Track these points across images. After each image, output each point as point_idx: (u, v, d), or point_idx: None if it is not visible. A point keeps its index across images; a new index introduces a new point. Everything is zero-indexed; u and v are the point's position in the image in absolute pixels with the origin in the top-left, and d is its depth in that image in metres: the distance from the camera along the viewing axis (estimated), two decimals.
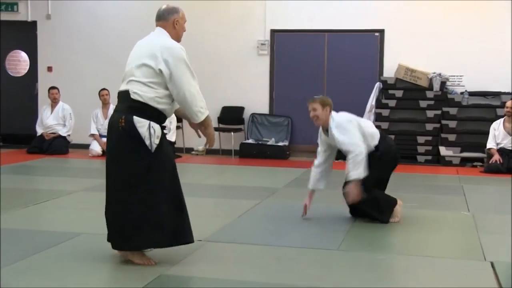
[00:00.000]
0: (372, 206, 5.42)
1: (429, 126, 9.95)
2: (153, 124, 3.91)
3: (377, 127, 9.97)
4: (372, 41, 10.47)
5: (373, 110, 10.06)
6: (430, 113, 9.95)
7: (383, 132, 5.53)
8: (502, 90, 9.85)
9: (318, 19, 10.54)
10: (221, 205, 6.34)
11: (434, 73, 9.88)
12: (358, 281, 3.90)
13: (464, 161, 9.69)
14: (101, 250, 4.28)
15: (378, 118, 10.07)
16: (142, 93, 3.90)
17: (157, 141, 3.92)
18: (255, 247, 4.67)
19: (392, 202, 5.52)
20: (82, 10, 11.43)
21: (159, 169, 3.94)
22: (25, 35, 11.80)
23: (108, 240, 4.09)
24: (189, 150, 10.89)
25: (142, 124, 3.88)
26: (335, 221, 5.46)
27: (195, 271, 4.01)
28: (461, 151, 9.79)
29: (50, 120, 10.70)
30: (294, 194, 6.97)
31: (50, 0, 11.49)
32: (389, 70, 10.24)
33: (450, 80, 9.99)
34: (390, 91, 10.08)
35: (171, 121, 9.59)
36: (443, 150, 9.82)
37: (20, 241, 4.67)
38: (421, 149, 9.98)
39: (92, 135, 10.47)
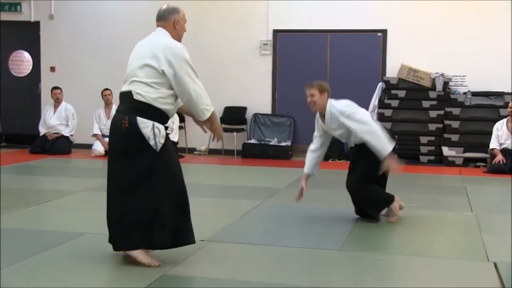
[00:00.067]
0: (363, 200, 5.43)
1: (432, 126, 9.94)
2: (157, 124, 3.91)
3: None
4: (374, 41, 10.46)
5: (376, 110, 10.05)
6: (433, 113, 9.94)
7: (380, 125, 5.50)
8: (505, 90, 9.83)
9: (321, 19, 10.53)
10: (223, 205, 6.34)
11: (437, 73, 9.87)
12: (360, 281, 3.89)
13: (467, 162, 9.67)
14: (103, 250, 4.28)
15: (380, 118, 10.05)
16: (145, 93, 3.89)
17: (162, 140, 3.92)
18: (258, 247, 4.67)
19: (385, 199, 5.47)
20: (85, 10, 11.44)
21: (163, 170, 3.94)
22: (28, 35, 11.81)
23: (110, 241, 4.09)
24: (191, 150, 10.89)
25: (146, 125, 3.87)
26: (337, 221, 5.46)
27: (198, 271, 4.00)
28: (464, 151, 9.77)
29: (53, 120, 10.71)
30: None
31: (53, 0, 11.50)
32: (392, 70, 10.23)
33: (453, 80, 9.98)
34: (393, 91, 10.07)
35: (174, 121, 9.59)
36: (446, 151, 9.81)
37: (23, 241, 4.67)
38: (424, 149, 9.96)
39: (95, 135, 10.48)
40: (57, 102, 10.77)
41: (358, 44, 10.54)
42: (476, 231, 5.23)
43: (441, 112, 9.91)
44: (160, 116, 3.97)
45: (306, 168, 5.58)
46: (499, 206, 6.48)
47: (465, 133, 9.80)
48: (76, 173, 8.68)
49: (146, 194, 3.90)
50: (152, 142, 3.88)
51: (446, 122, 9.89)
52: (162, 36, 4.04)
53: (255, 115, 10.83)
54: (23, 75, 11.97)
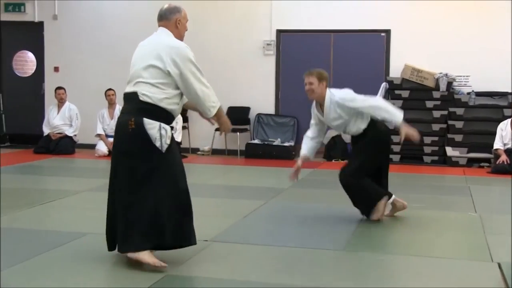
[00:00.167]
0: (356, 194, 5.40)
1: (436, 127, 9.92)
2: (163, 125, 3.90)
3: None
4: (378, 41, 10.45)
5: None
6: (437, 114, 9.92)
7: (374, 119, 5.46)
8: (509, 91, 9.81)
9: (324, 19, 10.53)
10: (226, 205, 6.34)
11: (441, 73, 9.85)
12: (363, 281, 3.89)
13: (471, 162, 9.66)
14: (106, 250, 4.28)
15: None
16: (151, 94, 3.89)
17: (168, 141, 3.92)
18: (261, 248, 4.67)
19: (375, 196, 5.41)
20: (88, 11, 11.45)
21: (165, 170, 3.93)
22: (32, 36, 11.83)
23: (110, 242, 4.09)
24: (195, 150, 10.90)
25: (152, 126, 3.87)
26: (339, 222, 5.45)
27: (201, 271, 4.00)
28: (468, 152, 9.76)
29: (57, 120, 10.73)
30: (300, 194, 6.96)
31: (57, 1, 11.52)
32: (395, 70, 10.22)
33: (456, 80, 9.96)
34: (397, 92, 10.06)
35: (177, 121, 9.60)
36: (449, 151, 9.79)
37: (26, 241, 4.68)
38: (427, 149, 9.95)
39: (98, 135, 10.49)
40: (60, 102, 10.78)
41: (362, 44, 10.53)
42: (480, 232, 5.22)
43: (445, 112, 9.90)
44: (166, 117, 3.96)
45: (305, 151, 5.56)
46: (503, 206, 6.46)
47: (469, 133, 9.79)
48: (79, 173, 8.69)
49: (147, 194, 3.89)
50: (158, 143, 3.88)
51: (450, 122, 9.87)
52: (164, 36, 4.04)
53: (259, 115, 10.83)
54: (27, 75, 12.00)
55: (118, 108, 10.48)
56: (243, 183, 7.86)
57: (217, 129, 5.03)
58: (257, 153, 10.40)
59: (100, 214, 5.16)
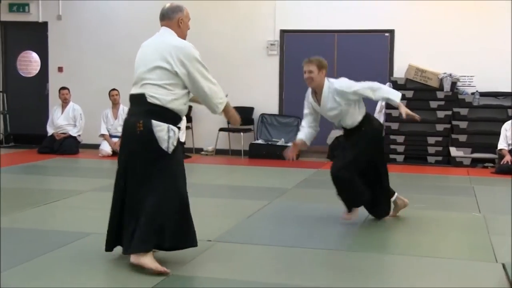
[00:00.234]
0: (346, 188, 5.30)
1: (440, 127, 9.91)
2: (172, 127, 3.90)
3: (387, 127, 10.07)
4: (382, 41, 10.44)
5: (383, 111, 10.03)
6: (441, 114, 9.91)
7: (370, 114, 5.46)
8: None
9: (328, 19, 10.52)
10: (230, 206, 6.34)
11: (445, 73, 9.83)
12: (366, 281, 3.89)
13: (475, 162, 9.64)
14: None
15: (388, 119, 10.04)
16: (160, 96, 3.88)
17: (175, 143, 3.92)
18: (265, 248, 4.67)
19: (356, 199, 5.36)
20: (92, 11, 11.47)
21: (169, 172, 3.92)
22: (36, 36, 11.86)
23: (109, 242, 4.10)
24: (198, 150, 10.90)
25: (161, 128, 3.86)
26: (343, 222, 5.43)
27: (205, 272, 4.01)
28: (472, 152, 9.74)
29: (61, 120, 10.75)
30: (304, 194, 6.96)
31: (61, 1, 11.54)
32: (399, 71, 10.21)
33: (461, 80, 9.94)
34: (401, 92, 10.00)
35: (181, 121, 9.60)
36: (453, 151, 9.78)
37: (30, 241, 4.69)
38: (431, 149, 9.94)
39: (102, 135, 10.51)
40: (64, 103, 10.80)
41: (365, 44, 10.53)
42: (484, 232, 5.21)
43: (449, 112, 9.88)
44: (174, 118, 3.96)
45: (300, 135, 5.48)
46: (508, 207, 6.44)
47: (473, 134, 9.77)
48: (83, 173, 8.71)
49: (149, 195, 3.89)
50: (165, 145, 3.87)
51: (454, 122, 9.85)
52: (168, 36, 4.03)
53: (262, 116, 10.83)
54: (31, 75, 12.02)
55: (122, 108, 10.49)
56: (246, 183, 7.85)
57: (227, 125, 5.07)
58: (260, 153, 10.40)
59: (104, 214, 5.15)
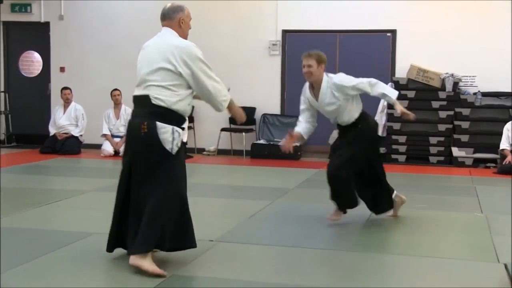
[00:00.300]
0: (341, 187, 5.26)
1: (442, 127, 9.90)
2: (176, 128, 3.90)
3: (389, 127, 10.06)
4: (384, 41, 10.43)
5: (385, 111, 10.03)
6: (443, 114, 9.90)
7: (366, 111, 5.42)
8: None
9: (330, 19, 10.52)
10: (232, 206, 6.34)
11: (447, 73, 9.83)
12: (368, 282, 3.89)
13: (477, 162, 9.64)
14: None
15: (390, 119, 10.04)
16: (164, 97, 3.87)
17: (179, 144, 3.92)
18: (266, 248, 4.67)
19: (349, 201, 5.33)
20: (94, 11, 11.47)
21: (172, 174, 3.92)
22: (38, 36, 11.87)
23: (111, 243, 4.10)
24: (200, 151, 10.90)
25: (166, 130, 3.85)
26: (345, 222, 5.43)
27: (207, 271, 4.01)
28: (474, 152, 9.73)
29: (63, 120, 10.75)
30: (305, 194, 6.96)
31: (63, 1, 11.55)
32: (401, 71, 10.20)
33: (463, 80, 9.93)
34: (402, 92, 10.01)
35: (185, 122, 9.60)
36: (455, 151, 9.77)
37: (32, 241, 4.69)
38: (433, 149, 9.93)
39: (104, 135, 10.52)
40: (66, 103, 10.81)
41: (368, 44, 10.52)
42: (486, 232, 5.20)
43: (451, 112, 9.87)
44: (179, 119, 3.97)
45: (298, 128, 5.41)
46: (509, 207, 6.43)
47: (475, 134, 9.76)
48: (85, 173, 8.71)
49: (150, 195, 3.88)
50: (169, 146, 3.86)
51: (456, 122, 9.85)
52: (170, 36, 4.02)
53: (264, 116, 10.82)
54: (33, 75, 12.02)
55: (124, 108, 10.50)
56: (248, 183, 7.86)
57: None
58: (262, 153, 10.40)
59: (106, 214, 5.15)
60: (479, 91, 9.86)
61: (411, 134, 9.96)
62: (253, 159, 10.29)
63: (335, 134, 9.95)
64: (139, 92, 3.98)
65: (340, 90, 5.18)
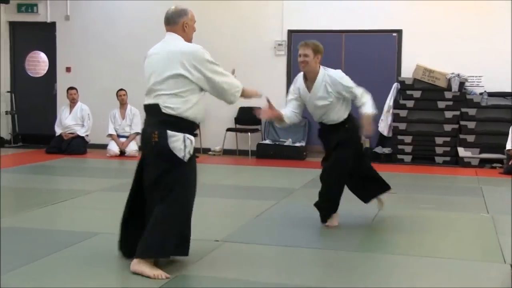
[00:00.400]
0: (331, 192, 5.27)
1: (448, 127, 9.88)
2: (188, 135, 3.88)
3: (395, 127, 10.04)
4: (389, 41, 10.41)
5: (391, 111, 10.02)
6: (449, 114, 9.88)
7: (352, 114, 5.32)
8: None
9: (336, 19, 10.50)
10: (237, 206, 6.34)
11: (453, 73, 9.80)
12: (373, 282, 3.88)
13: (483, 162, 9.61)
14: (117, 250, 4.30)
15: (396, 119, 10.02)
16: (174, 105, 3.84)
17: (191, 151, 3.90)
18: (272, 248, 4.66)
19: (334, 205, 5.32)
20: (100, 11, 11.49)
21: (183, 182, 3.91)
22: (44, 36, 11.90)
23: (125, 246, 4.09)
24: (206, 151, 10.91)
25: (176, 138, 3.83)
26: (350, 222, 5.43)
27: (212, 271, 4.00)
28: (480, 152, 9.70)
29: (69, 120, 10.78)
30: (311, 194, 6.92)
31: (69, 1, 11.57)
32: (407, 71, 10.18)
33: (469, 80, 9.91)
34: (408, 92, 10.02)
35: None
36: (461, 151, 9.75)
37: (38, 241, 4.70)
38: (439, 150, 9.90)
39: (110, 135, 10.53)
40: (72, 103, 10.83)
41: (373, 44, 10.50)
42: (492, 233, 5.19)
43: (457, 112, 9.85)
44: (190, 126, 3.95)
45: (283, 110, 5.23)
46: None
47: (481, 134, 9.73)
48: (91, 173, 8.73)
49: (157, 203, 3.87)
50: (181, 154, 3.84)
51: (462, 122, 9.82)
52: (175, 42, 3.96)
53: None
54: (39, 75, 12.06)
55: (130, 108, 10.52)
56: (254, 184, 7.85)
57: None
58: (268, 153, 10.40)
59: (112, 214, 5.17)
60: (485, 91, 9.83)
61: (417, 134, 9.94)
62: (258, 159, 10.29)
63: None
64: (148, 101, 3.95)
65: (335, 85, 5.10)
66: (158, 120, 3.87)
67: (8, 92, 11.93)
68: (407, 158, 9.96)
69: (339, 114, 5.20)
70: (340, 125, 5.20)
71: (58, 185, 7.74)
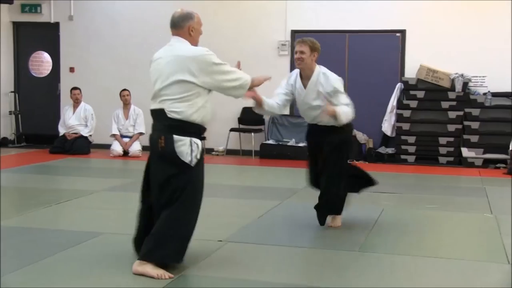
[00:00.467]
0: (332, 202, 5.24)
1: (451, 127, 9.87)
2: (194, 140, 3.86)
3: (398, 128, 10.03)
4: (393, 41, 10.41)
5: (395, 111, 10.01)
6: (452, 114, 9.86)
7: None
8: None
9: (339, 19, 10.50)
10: (241, 206, 6.34)
11: (456, 73, 9.79)
12: (376, 282, 3.87)
13: (487, 163, 9.60)
14: (121, 250, 4.31)
15: (399, 119, 10.01)
16: (180, 109, 3.82)
17: (199, 156, 3.88)
18: (275, 248, 4.66)
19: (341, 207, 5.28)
20: (104, 12, 11.50)
21: (189, 188, 3.89)
22: (47, 36, 11.92)
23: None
24: (209, 151, 10.90)
25: (183, 143, 3.82)
26: (354, 223, 5.43)
27: (215, 271, 4.01)
28: (484, 153, 9.69)
29: (72, 120, 10.79)
30: (314, 195, 6.92)
31: (73, 1, 11.58)
32: (411, 71, 10.17)
33: (472, 80, 9.90)
34: (412, 92, 10.01)
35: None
36: (465, 152, 9.73)
37: (42, 240, 4.70)
38: (442, 150, 9.89)
39: (113, 135, 10.54)
40: (76, 103, 10.84)
41: (377, 44, 10.49)
42: (496, 233, 5.18)
43: (461, 113, 9.84)
44: (198, 130, 3.94)
45: (265, 98, 5.07)
46: None
47: (484, 134, 9.72)
48: (95, 173, 8.74)
49: (164, 208, 3.87)
50: (188, 159, 3.83)
51: (466, 123, 9.81)
52: (181, 46, 3.92)
53: (273, 116, 10.82)
54: (43, 75, 12.08)
55: (133, 108, 10.53)
56: (257, 184, 7.86)
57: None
58: (271, 153, 10.40)
59: (116, 214, 5.19)
60: (489, 91, 9.81)
61: (420, 134, 9.93)
62: (262, 159, 10.29)
63: None
64: (154, 106, 3.94)
65: (326, 83, 4.99)
66: (164, 125, 3.86)
67: (11, 92, 11.95)
68: (411, 159, 9.95)
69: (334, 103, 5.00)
70: (335, 127, 5.07)
71: (61, 185, 7.75)
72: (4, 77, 11.81)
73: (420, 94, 9.95)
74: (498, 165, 9.49)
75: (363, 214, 5.70)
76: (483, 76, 9.93)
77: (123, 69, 11.23)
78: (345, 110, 4.91)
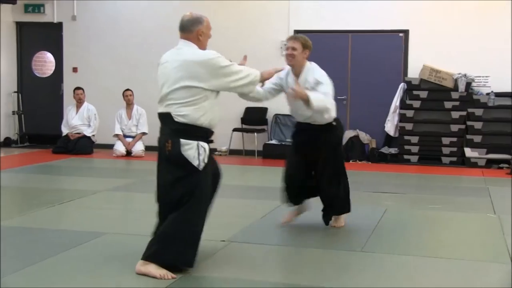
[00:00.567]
0: (336, 203, 5.28)
1: (454, 127, 9.85)
2: (201, 143, 3.87)
3: (401, 128, 10.02)
4: (396, 41, 10.39)
5: (398, 111, 10.00)
6: (455, 114, 9.85)
7: (338, 119, 5.18)
8: None
9: (342, 19, 10.49)
10: (244, 206, 6.34)
11: (459, 73, 9.77)
12: (379, 282, 3.87)
13: (490, 163, 9.58)
14: (124, 250, 4.31)
15: (402, 119, 10.00)
16: (186, 113, 3.82)
17: (206, 160, 3.88)
18: (278, 248, 4.67)
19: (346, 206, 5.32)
20: (107, 12, 11.51)
21: (200, 191, 3.89)
22: (51, 36, 11.93)
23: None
24: (212, 151, 10.87)
25: (190, 146, 3.82)
26: (357, 222, 5.42)
27: (218, 271, 4.01)
28: (487, 153, 9.68)
29: (75, 120, 10.80)
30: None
31: (76, 1, 11.59)
32: (414, 71, 10.16)
33: (475, 80, 9.88)
34: (415, 92, 10.00)
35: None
36: (468, 152, 9.72)
37: (45, 240, 4.71)
38: (445, 150, 9.88)
39: (116, 135, 10.54)
40: (79, 103, 10.86)
41: (380, 44, 10.48)
42: (499, 233, 5.17)
43: (464, 113, 9.82)
44: (205, 134, 3.94)
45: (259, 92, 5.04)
46: None
47: (488, 134, 9.70)
48: (97, 173, 8.74)
49: (171, 212, 3.87)
50: (196, 162, 3.84)
51: (469, 123, 9.79)
52: (189, 50, 3.90)
53: (276, 116, 10.81)
54: (46, 75, 12.10)
55: (136, 108, 10.53)
56: (260, 184, 7.85)
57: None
58: (274, 153, 10.38)
59: (118, 214, 5.19)
60: (492, 91, 9.79)
61: (423, 134, 9.92)
62: (265, 159, 10.29)
63: (347, 134, 9.95)
64: (161, 109, 3.94)
65: (311, 77, 4.94)
66: (171, 129, 3.86)
67: (15, 92, 11.97)
68: (414, 159, 9.94)
69: (328, 114, 4.94)
70: (329, 127, 5.05)
71: (64, 185, 7.76)
72: (7, 77, 11.83)
73: (423, 94, 9.94)
74: (501, 165, 9.47)
75: (366, 214, 5.70)
76: (486, 76, 9.92)
77: (126, 69, 11.22)
78: (319, 97, 4.74)
